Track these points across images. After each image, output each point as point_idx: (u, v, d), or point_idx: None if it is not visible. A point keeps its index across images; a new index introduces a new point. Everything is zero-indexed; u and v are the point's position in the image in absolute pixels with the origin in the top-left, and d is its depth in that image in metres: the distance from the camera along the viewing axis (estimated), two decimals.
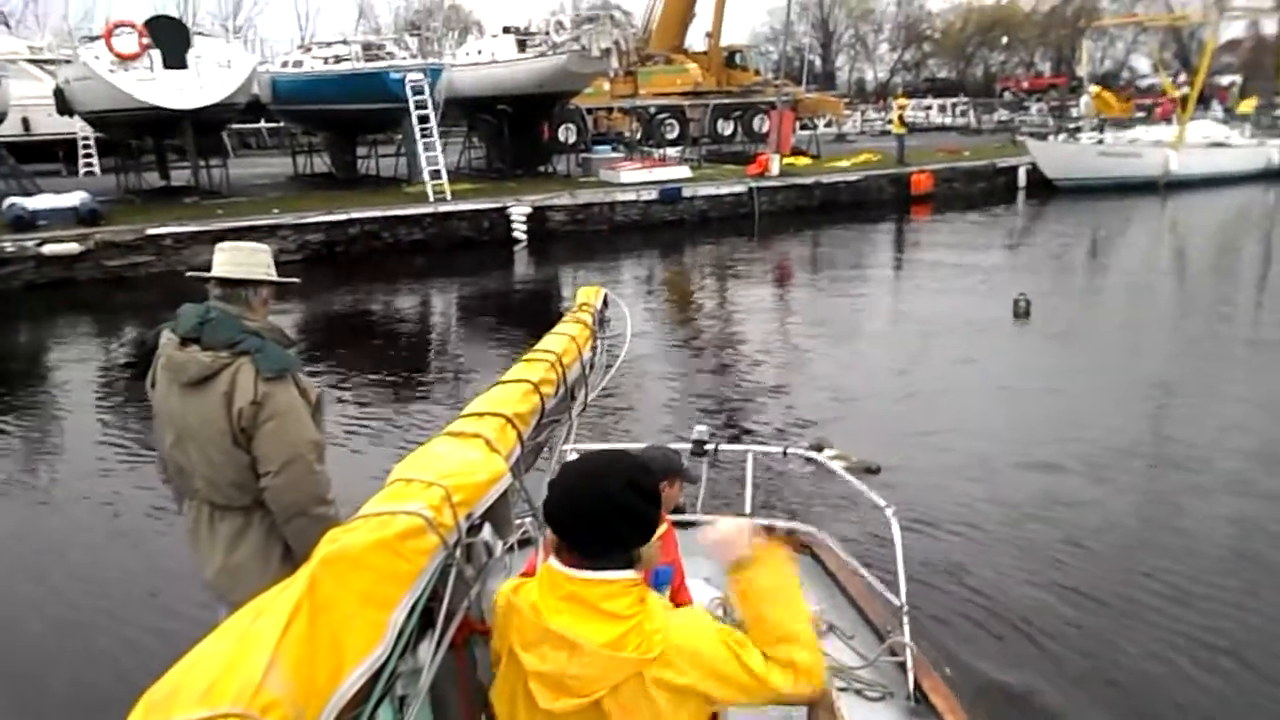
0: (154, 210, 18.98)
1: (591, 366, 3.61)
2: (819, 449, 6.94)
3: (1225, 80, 38.96)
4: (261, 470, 3.01)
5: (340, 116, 22.95)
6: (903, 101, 31.70)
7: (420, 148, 20.39)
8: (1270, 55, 53.80)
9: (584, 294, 4.08)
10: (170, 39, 18.95)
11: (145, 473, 7.16)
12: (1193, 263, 18.32)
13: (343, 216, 18.54)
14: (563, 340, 3.32)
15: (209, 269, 3.15)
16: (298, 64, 24.31)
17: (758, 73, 37.45)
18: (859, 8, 68.32)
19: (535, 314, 15.29)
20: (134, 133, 21.39)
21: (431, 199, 20.04)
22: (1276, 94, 32.35)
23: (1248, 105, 30.99)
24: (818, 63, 63.44)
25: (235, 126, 32.36)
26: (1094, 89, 32.43)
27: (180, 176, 22.37)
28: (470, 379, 10.79)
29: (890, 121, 28.53)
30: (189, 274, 3.30)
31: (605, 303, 4.10)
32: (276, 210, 18.90)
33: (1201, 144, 27.14)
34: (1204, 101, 30.99)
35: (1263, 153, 27.73)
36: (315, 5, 52.28)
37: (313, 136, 27.51)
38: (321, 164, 26.91)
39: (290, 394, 3.05)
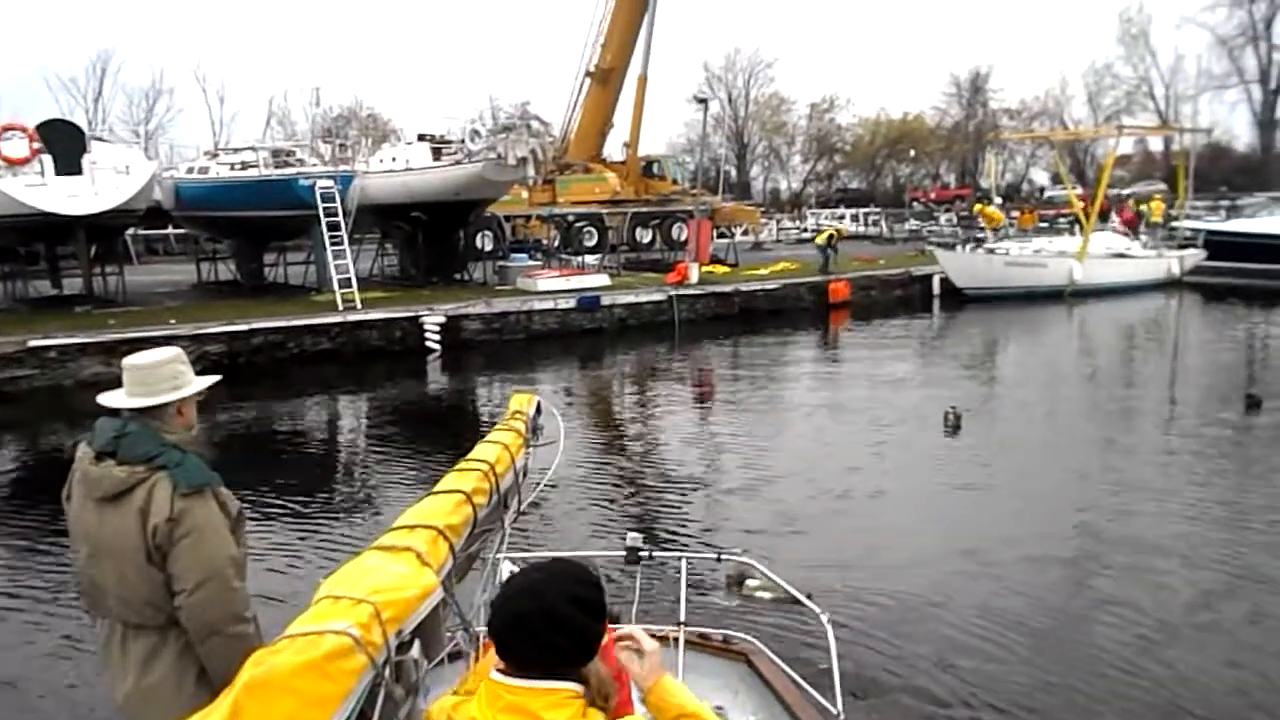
0: (40, 320, 17.99)
1: (524, 474, 3.61)
2: (741, 581, 6.71)
3: (1127, 192, 40.74)
4: (176, 588, 2.91)
5: (247, 223, 22.32)
6: (838, 227, 32.25)
7: (329, 255, 19.81)
8: (1157, 169, 57.16)
9: (516, 401, 4.06)
10: (64, 144, 18.30)
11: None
12: (1107, 369, 18.52)
13: (245, 326, 17.72)
14: (495, 449, 3.32)
15: (120, 383, 3.07)
16: (203, 170, 23.68)
17: (675, 182, 38.01)
18: (772, 121, 70.60)
19: (449, 425, 14.77)
20: (24, 239, 20.39)
21: (341, 307, 19.35)
22: (1170, 207, 33.84)
23: (1158, 211, 32.27)
24: (733, 173, 65.13)
25: (141, 232, 31.48)
26: (980, 206, 33.49)
27: (74, 284, 21.35)
28: (381, 494, 10.32)
29: (816, 233, 28.98)
30: (99, 399, 3.14)
31: (538, 410, 4.07)
32: (173, 320, 18.02)
33: (1104, 255, 28.01)
34: (1104, 215, 32.19)
35: (1163, 264, 28.71)
36: (231, 111, 51.38)
37: (218, 243, 26.72)
38: (227, 271, 26.07)
39: (209, 509, 2.97)
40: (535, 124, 22.78)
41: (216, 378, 3.32)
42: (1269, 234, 30.17)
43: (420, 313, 19.44)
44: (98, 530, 2.99)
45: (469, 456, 3.23)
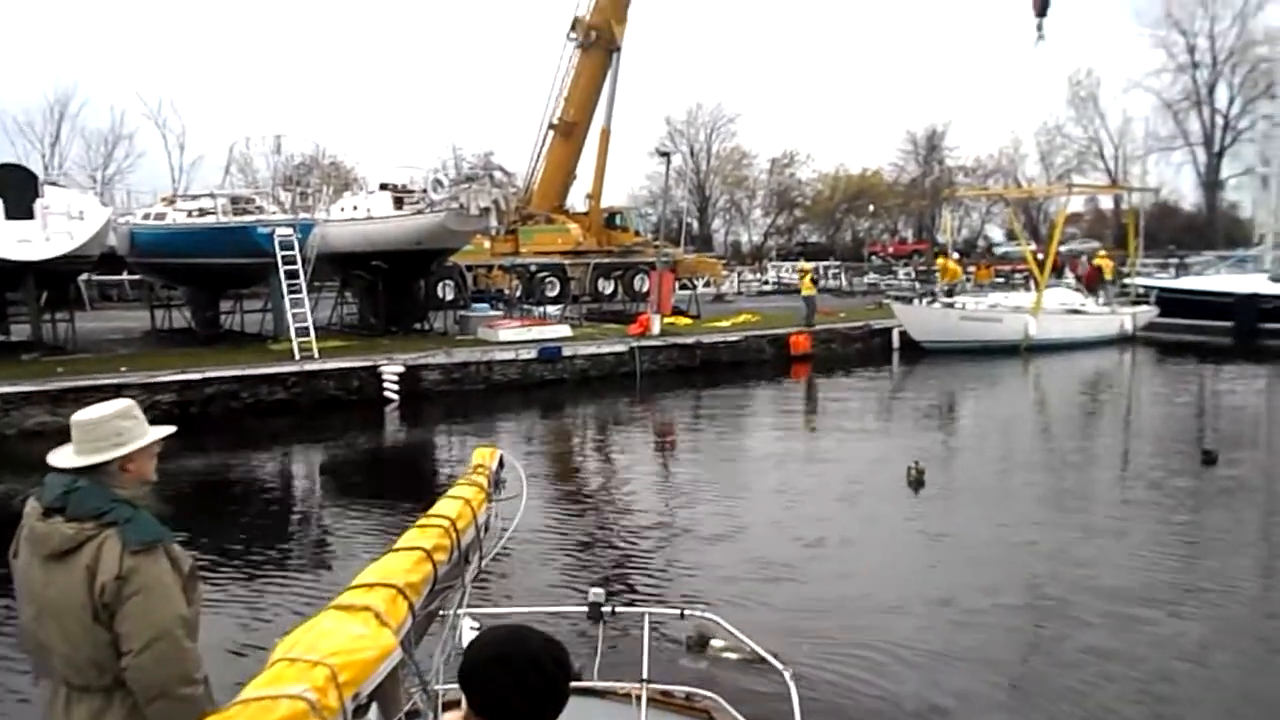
0: None
1: (486, 529, 3.57)
2: (704, 643, 6.75)
3: (1079, 248, 41.66)
4: (124, 648, 2.80)
5: (203, 270, 22.00)
6: (805, 266, 32.43)
7: (287, 304, 19.55)
8: (1107, 227, 58.58)
9: (479, 455, 4.02)
10: (15, 188, 18.01)
11: None
12: (1066, 424, 18.70)
13: (198, 375, 17.35)
14: (456, 504, 3.28)
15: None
16: (160, 216, 23.36)
17: (637, 234, 38.26)
18: (733, 175, 71.49)
19: (406, 478, 14.53)
20: None
21: (298, 356, 19.05)
22: (1122, 264, 34.58)
23: (1108, 269, 32.89)
24: (695, 225, 65.68)
25: (96, 278, 30.96)
26: (942, 260, 34.05)
27: (23, 331, 20.85)
28: (337, 549, 10.10)
29: (800, 277, 29.13)
30: (48, 458, 3.04)
31: (501, 463, 4.02)
32: (124, 368, 17.63)
33: (1059, 310, 28.48)
34: (1057, 270, 32.82)
35: (1116, 320, 29.23)
36: (191, 158, 50.94)
37: (173, 290, 26.31)
38: (182, 319, 25.65)
39: (159, 567, 2.88)
40: (498, 174, 22.84)
41: (169, 429, 3.21)
42: (1218, 291, 30.95)
43: (379, 362, 19.18)
44: (44, 588, 2.90)
45: (429, 512, 3.18)
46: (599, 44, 34.17)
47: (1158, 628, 7.42)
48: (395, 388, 18.79)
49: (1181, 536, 10.05)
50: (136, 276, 30.30)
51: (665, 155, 34.87)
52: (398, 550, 2.79)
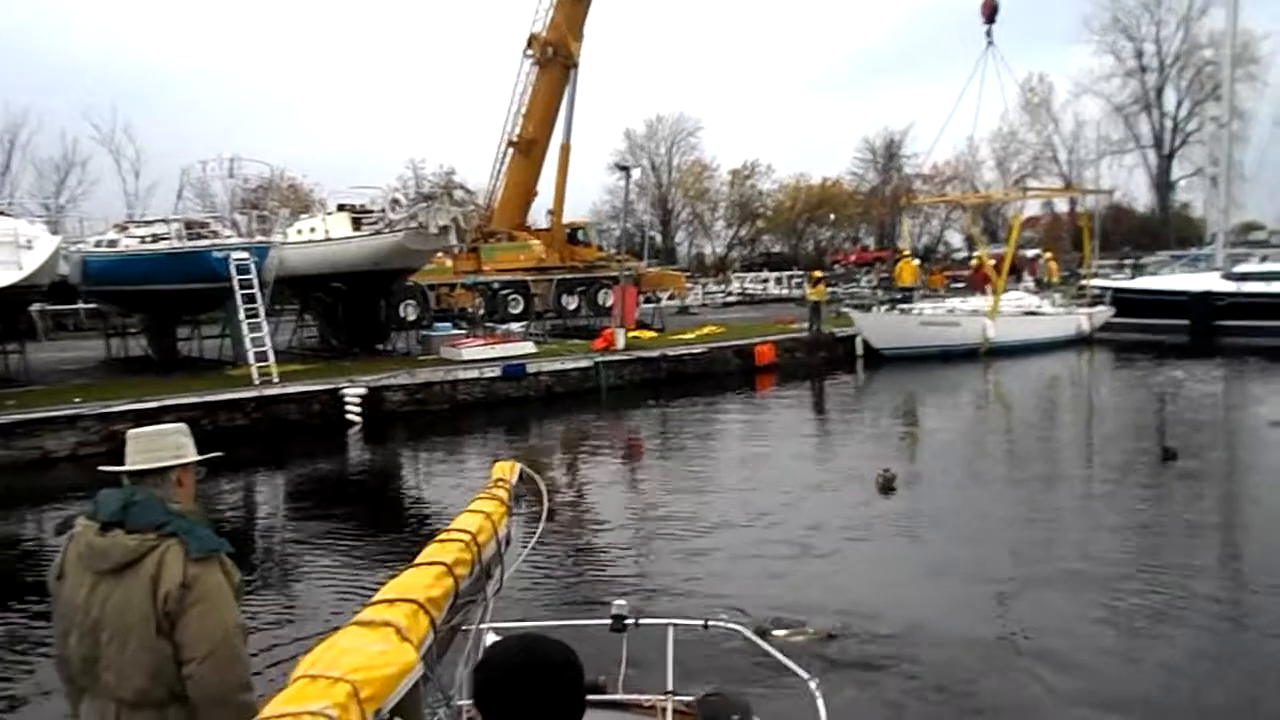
0: None
1: (508, 544, 3.57)
2: (763, 633, 6.70)
3: (1031, 253, 42.29)
4: (186, 657, 2.86)
5: (158, 297, 21.66)
6: (817, 274, 32.37)
7: (245, 328, 19.29)
8: (1063, 229, 59.45)
9: (498, 469, 4.01)
10: None
11: None
12: (1027, 425, 18.92)
13: (155, 403, 17.02)
14: (477, 519, 3.28)
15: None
16: (112, 243, 22.98)
17: (600, 248, 38.24)
18: (694, 187, 71.84)
19: (370, 501, 14.31)
20: None
21: (257, 381, 18.80)
22: (1078, 265, 35.11)
23: (1054, 271, 33.41)
24: (658, 238, 65.85)
25: (50, 308, 30.37)
26: (902, 263, 34.38)
27: None
28: (298, 577, 9.86)
29: (809, 286, 29.21)
30: (100, 468, 3.21)
31: (521, 477, 4.03)
32: (78, 399, 17.24)
33: (1016, 313, 28.81)
34: (1015, 272, 33.22)
35: (1072, 320, 29.63)
36: (146, 183, 50.20)
37: (128, 318, 25.90)
38: (138, 347, 25.24)
39: (218, 576, 2.97)
40: (458, 192, 22.73)
41: (218, 453, 3.38)
42: (1172, 291, 31.47)
43: (340, 385, 18.97)
44: (101, 604, 2.93)
45: (450, 526, 3.20)
46: (556, 60, 34.19)
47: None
48: (358, 410, 18.58)
49: (1142, 529, 10.30)
50: (92, 305, 29.84)
51: (625, 170, 34.94)
52: (418, 565, 2.80)
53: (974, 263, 39.28)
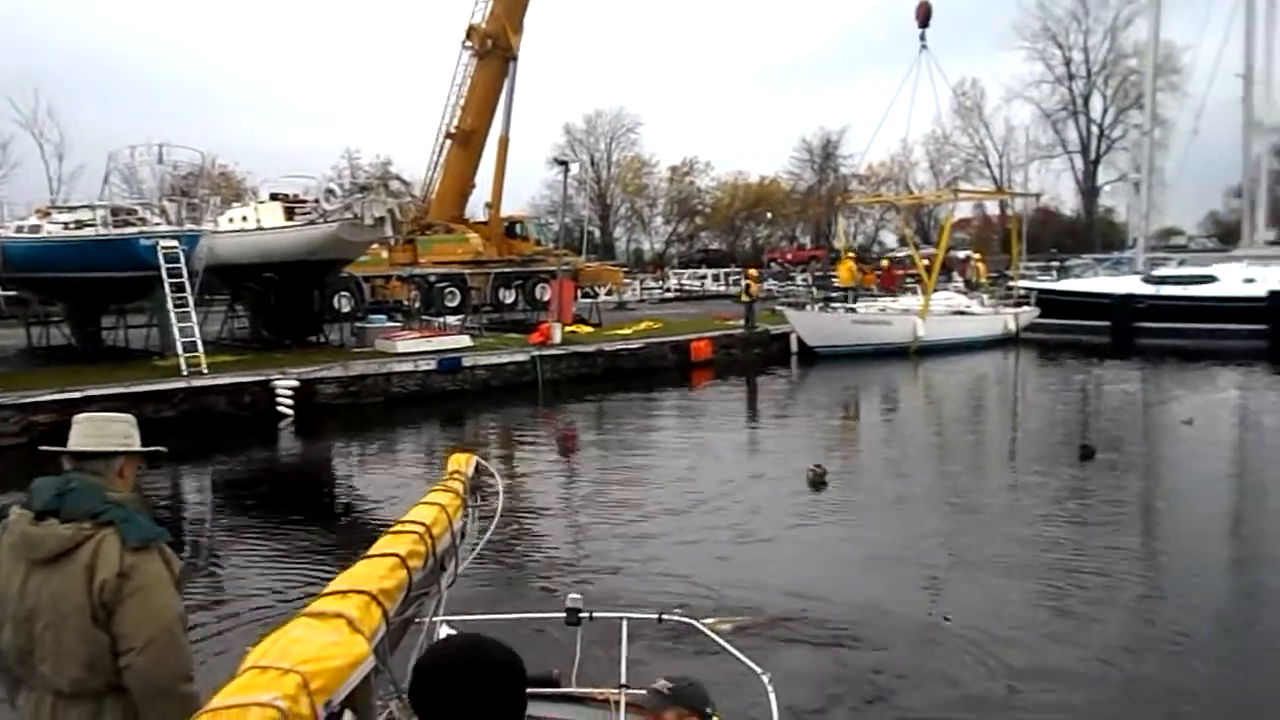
0: None
1: (463, 536, 3.55)
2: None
3: (962, 254, 43.23)
4: (124, 648, 2.81)
5: (82, 285, 21.10)
6: (753, 272, 32.87)
7: (173, 318, 18.90)
8: (994, 231, 60.84)
9: (455, 461, 3.99)
10: None
11: None
12: (953, 422, 19.42)
13: (78, 394, 16.51)
14: (432, 510, 3.26)
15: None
16: (34, 229, 22.31)
17: (539, 243, 38.13)
18: (634, 183, 72.01)
19: (301, 496, 14.12)
20: None
21: (185, 372, 18.42)
22: (1006, 267, 36.00)
23: (982, 272, 34.23)
24: (597, 234, 65.86)
25: None
26: (844, 263, 35.05)
27: None
28: (227, 575, 9.65)
29: (745, 287, 29.48)
30: (42, 449, 3.16)
31: (477, 470, 4.01)
32: None
33: (945, 312, 29.47)
34: (946, 273, 33.97)
35: (1000, 320, 30.41)
36: (70, 168, 48.66)
37: (51, 306, 25.15)
38: (61, 336, 24.53)
39: (156, 565, 2.91)
40: (395, 184, 22.65)
41: (163, 448, 3.34)
42: (1095, 293, 32.49)
43: (272, 377, 18.68)
44: (35, 594, 2.87)
45: (404, 518, 3.15)
46: (495, 52, 33.98)
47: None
48: (289, 403, 18.32)
49: (1063, 518, 10.76)
50: (11, 293, 28.92)
51: (564, 164, 34.91)
52: (372, 557, 2.76)
53: (884, 263, 40.64)
